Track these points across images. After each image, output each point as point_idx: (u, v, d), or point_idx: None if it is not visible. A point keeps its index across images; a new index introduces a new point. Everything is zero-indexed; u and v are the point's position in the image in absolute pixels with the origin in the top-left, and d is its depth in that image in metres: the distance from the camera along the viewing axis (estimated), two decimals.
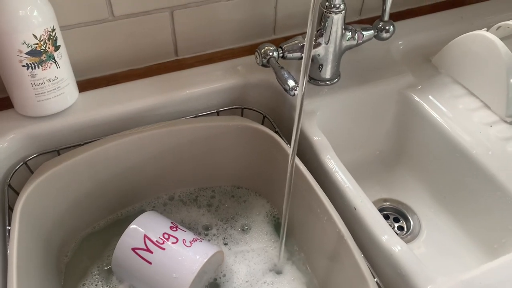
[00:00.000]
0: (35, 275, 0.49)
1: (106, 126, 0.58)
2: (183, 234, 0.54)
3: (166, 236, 0.53)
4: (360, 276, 0.45)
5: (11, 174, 0.54)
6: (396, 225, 0.63)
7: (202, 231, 0.61)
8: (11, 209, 0.51)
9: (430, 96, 0.63)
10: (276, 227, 0.61)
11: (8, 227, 0.49)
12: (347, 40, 0.61)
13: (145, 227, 0.54)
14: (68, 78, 0.56)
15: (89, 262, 0.57)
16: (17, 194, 0.53)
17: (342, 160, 0.56)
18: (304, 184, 0.53)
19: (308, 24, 0.39)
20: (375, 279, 0.45)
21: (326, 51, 0.60)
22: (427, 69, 0.67)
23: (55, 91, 0.55)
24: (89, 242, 0.59)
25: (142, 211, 0.63)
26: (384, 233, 0.48)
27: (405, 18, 0.74)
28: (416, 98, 0.64)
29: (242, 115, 0.64)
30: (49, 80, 0.54)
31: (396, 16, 0.74)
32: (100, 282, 0.55)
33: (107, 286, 0.55)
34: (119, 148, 0.57)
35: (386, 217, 0.64)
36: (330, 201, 0.51)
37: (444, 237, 0.60)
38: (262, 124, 0.63)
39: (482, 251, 0.57)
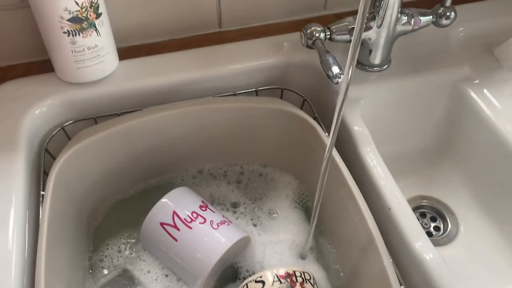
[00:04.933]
0: (65, 240, 0.51)
1: (143, 97, 0.58)
2: (211, 215, 0.53)
3: (194, 215, 0.53)
4: (386, 282, 0.43)
5: (49, 139, 0.55)
6: (433, 225, 0.60)
7: (230, 208, 0.60)
8: (46, 173, 0.52)
9: (487, 92, 0.58)
10: (305, 208, 0.60)
11: (42, 192, 0.50)
12: (402, 25, 0.56)
13: (176, 202, 0.54)
14: (109, 46, 0.55)
15: (118, 228, 0.58)
16: (53, 158, 0.54)
17: (383, 151, 0.53)
18: (339, 179, 0.50)
19: (360, 9, 0.35)
20: (402, 286, 0.44)
21: (377, 35, 0.56)
22: (487, 61, 0.62)
23: (94, 59, 0.54)
24: (118, 209, 0.60)
25: (170, 182, 0.63)
26: (417, 239, 0.46)
27: (469, 1, 0.68)
28: (472, 94, 0.59)
29: (281, 96, 0.61)
30: (89, 48, 0.53)
31: None
32: (123, 245, 0.56)
33: (130, 249, 0.56)
34: (155, 123, 0.56)
35: (423, 215, 0.61)
36: (365, 196, 0.49)
37: (482, 245, 0.57)
38: (302, 107, 0.60)
39: None
